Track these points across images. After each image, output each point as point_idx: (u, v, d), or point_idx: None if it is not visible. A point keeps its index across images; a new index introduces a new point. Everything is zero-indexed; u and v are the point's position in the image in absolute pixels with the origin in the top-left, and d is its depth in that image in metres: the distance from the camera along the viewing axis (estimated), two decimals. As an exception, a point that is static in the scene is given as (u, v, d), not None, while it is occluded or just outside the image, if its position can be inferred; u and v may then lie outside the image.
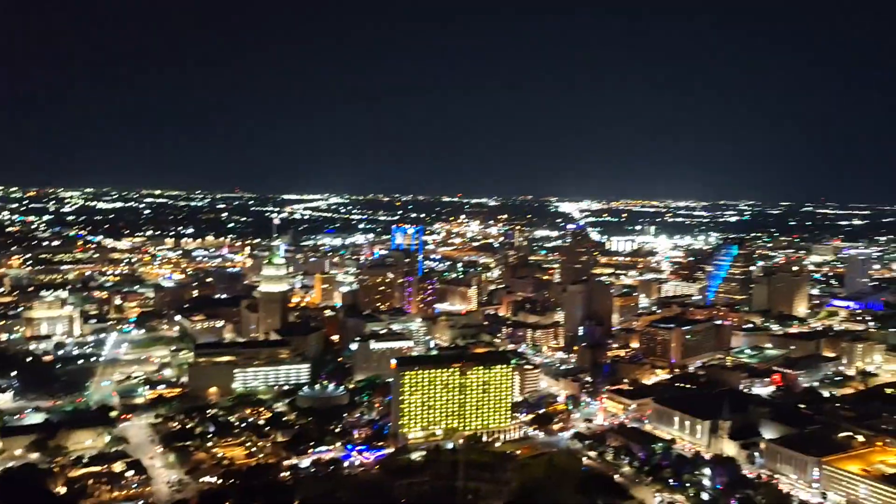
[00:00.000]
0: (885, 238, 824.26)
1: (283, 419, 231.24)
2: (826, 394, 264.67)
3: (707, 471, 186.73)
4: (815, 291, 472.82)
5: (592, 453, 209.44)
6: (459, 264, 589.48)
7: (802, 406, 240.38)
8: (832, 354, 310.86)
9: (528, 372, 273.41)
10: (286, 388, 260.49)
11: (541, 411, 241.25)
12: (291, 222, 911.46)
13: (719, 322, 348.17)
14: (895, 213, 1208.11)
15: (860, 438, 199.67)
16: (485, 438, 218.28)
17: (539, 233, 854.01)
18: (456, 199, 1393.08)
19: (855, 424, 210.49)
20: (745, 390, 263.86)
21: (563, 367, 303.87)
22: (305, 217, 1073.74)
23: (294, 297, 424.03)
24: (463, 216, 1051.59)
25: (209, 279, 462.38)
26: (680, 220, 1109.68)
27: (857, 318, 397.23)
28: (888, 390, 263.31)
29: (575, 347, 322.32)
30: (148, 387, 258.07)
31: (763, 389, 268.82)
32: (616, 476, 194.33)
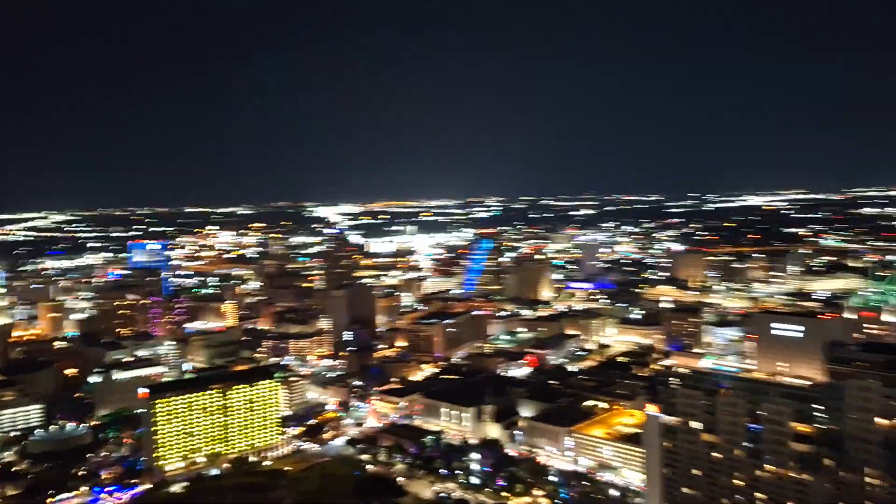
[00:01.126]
0: (609, 224, 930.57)
1: (13, 469, 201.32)
2: (571, 368, 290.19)
3: (474, 455, 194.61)
4: (557, 276, 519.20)
5: (366, 456, 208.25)
6: (212, 279, 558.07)
7: (553, 382, 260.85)
8: (574, 332, 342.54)
9: (294, 384, 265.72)
10: (14, 434, 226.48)
11: (311, 422, 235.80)
12: (6, 245, 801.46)
13: (478, 312, 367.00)
14: (614, 202, 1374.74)
15: (602, 405, 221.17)
16: (253, 458, 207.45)
17: (296, 240, 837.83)
18: (203, 210, 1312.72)
19: (597, 393, 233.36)
20: (504, 374, 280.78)
21: (331, 375, 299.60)
22: (22, 239, 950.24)
23: (16, 330, 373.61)
24: (212, 227, 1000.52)
25: None
26: (436, 218, 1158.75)
27: (593, 298, 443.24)
28: (620, 359, 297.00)
29: (342, 353, 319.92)
30: None
31: (519, 371, 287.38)
32: (391, 474, 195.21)
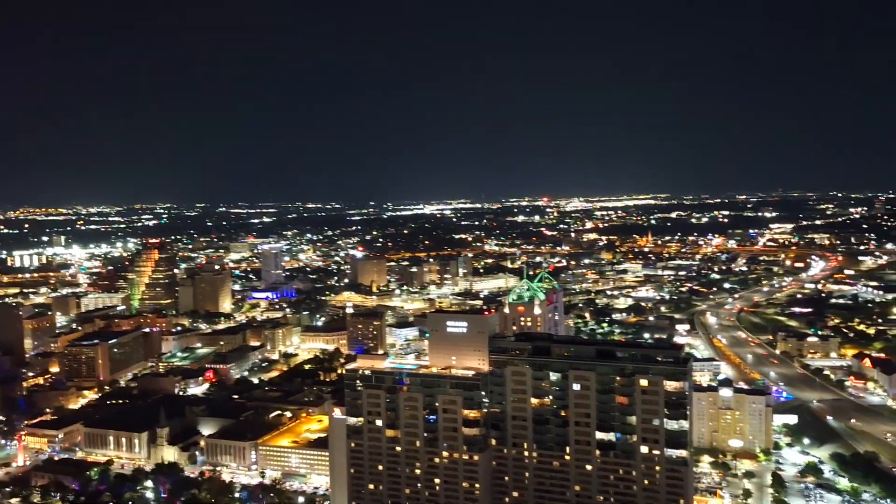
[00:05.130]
0: (290, 232, 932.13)
1: None
2: (256, 380, 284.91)
3: (149, 483, 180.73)
4: (237, 287, 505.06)
5: (14, 500, 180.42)
6: None
7: (236, 396, 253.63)
8: (258, 343, 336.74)
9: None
10: None
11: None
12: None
13: (147, 330, 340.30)
14: (297, 210, 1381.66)
15: (288, 414, 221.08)
16: None
17: None
18: None
19: (283, 403, 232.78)
20: (182, 393, 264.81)
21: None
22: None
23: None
24: None
25: None
26: (94, 227, 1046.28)
27: (276, 307, 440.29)
28: (307, 366, 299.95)
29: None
30: None
31: (198, 388, 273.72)
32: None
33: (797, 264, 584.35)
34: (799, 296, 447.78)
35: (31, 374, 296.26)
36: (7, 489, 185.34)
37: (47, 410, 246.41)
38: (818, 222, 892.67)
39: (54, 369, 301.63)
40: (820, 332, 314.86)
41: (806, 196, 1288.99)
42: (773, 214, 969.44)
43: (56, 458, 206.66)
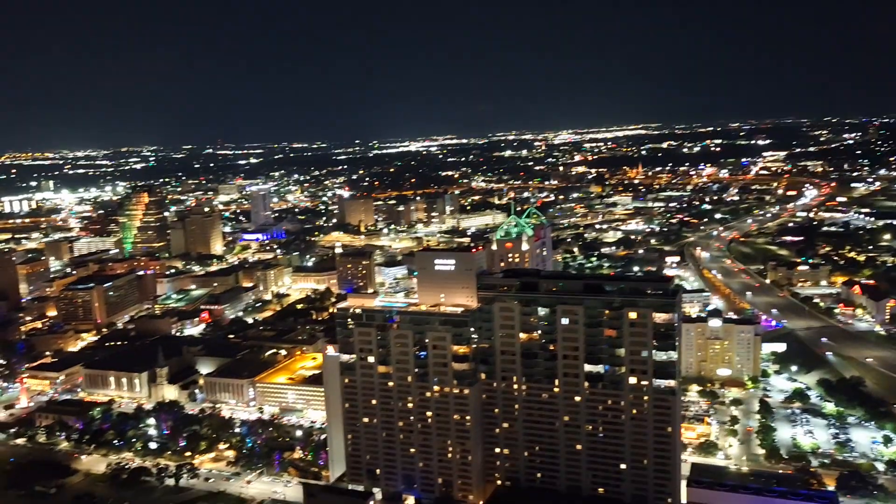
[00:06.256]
0: (278, 173, 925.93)
1: None
2: (250, 320, 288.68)
3: (151, 420, 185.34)
4: (228, 229, 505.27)
5: (21, 440, 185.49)
6: None
7: (231, 336, 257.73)
8: (250, 284, 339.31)
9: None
10: None
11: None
12: None
13: (142, 273, 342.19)
14: (283, 150, 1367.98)
15: (283, 353, 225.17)
16: None
17: None
18: None
19: (277, 342, 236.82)
20: (178, 334, 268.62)
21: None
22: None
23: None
24: None
25: None
26: (82, 171, 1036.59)
27: (266, 248, 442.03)
28: (299, 306, 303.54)
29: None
30: None
31: (194, 329, 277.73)
32: (55, 454, 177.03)
33: (789, 192, 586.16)
34: (790, 224, 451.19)
35: (28, 318, 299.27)
36: (12, 430, 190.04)
37: (47, 353, 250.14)
38: (812, 149, 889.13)
39: (51, 313, 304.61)
40: (810, 261, 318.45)
41: (800, 122, 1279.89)
42: (766, 142, 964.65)
43: (58, 400, 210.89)
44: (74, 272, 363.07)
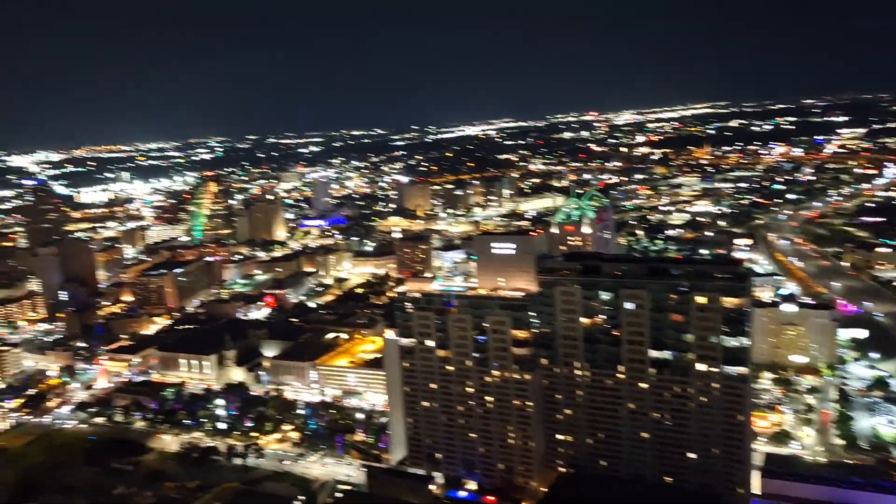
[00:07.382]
0: (337, 160, 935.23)
1: None
2: (312, 304, 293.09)
3: (219, 401, 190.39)
4: (290, 216, 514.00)
5: (100, 419, 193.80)
6: None
7: (294, 320, 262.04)
8: (312, 269, 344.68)
9: (4, 353, 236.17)
10: None
11: (30, 392, 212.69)
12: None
13: (210, 259, 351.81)
14: (342, 137, 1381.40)
15: (344, 336, 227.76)
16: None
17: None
18: None
19: (338, 325, 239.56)
20: (244, 317, 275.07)
21: (48, 340, 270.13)
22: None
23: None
24: None
25: None
26: (153, 162, 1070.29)
27: (327, 234, 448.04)
28: (358, 290, 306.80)
29: (59, 315, 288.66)
30: None
31: (259, 313, 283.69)
32: (131, 433, 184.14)
33: (868, 171, 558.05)
34: (869, 204, 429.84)
35: (105, 303, 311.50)
36: (92, 409, 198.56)
37: (123, 336, 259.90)
38: (893, 125, 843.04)
39: (126, 298, 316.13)
40: (891, 242, 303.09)
41: (879, 97, 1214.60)
42: (843, 119, 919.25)
43: (134, 381, 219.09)
44: (148, 259, 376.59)
